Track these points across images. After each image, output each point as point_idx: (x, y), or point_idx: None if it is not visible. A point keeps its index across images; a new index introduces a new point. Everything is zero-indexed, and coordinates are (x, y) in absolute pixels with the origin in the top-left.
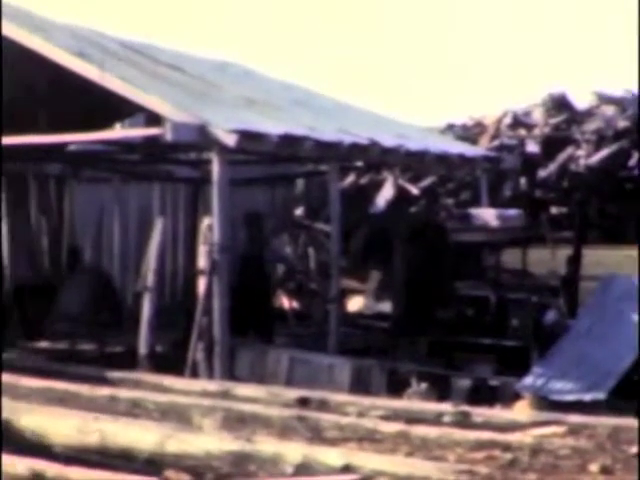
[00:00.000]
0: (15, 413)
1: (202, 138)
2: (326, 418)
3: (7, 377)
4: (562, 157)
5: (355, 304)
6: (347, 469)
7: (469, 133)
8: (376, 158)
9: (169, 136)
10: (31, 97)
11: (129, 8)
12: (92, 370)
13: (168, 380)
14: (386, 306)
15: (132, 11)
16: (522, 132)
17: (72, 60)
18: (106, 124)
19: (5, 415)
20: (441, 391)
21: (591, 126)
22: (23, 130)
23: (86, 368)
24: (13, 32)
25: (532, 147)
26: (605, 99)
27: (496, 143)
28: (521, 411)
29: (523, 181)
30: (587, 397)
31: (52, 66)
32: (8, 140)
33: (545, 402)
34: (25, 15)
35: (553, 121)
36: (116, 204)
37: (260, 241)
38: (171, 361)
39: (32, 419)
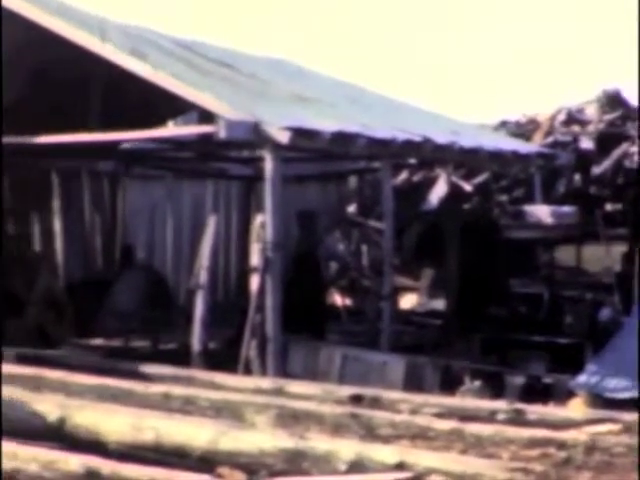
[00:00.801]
0: (69, 410)
1: (255, 135)
2: (379, 415)
3: (60, 374)
4: (616, 153)
5: (408, 301)
6: (400, 467)
7: (523, 130)
8: (429, 155)
9: (222, 134)
10: (85, 95)
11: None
12: (146, 367)
13: (221, 377)
14: (439, 303)
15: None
16: (576, 129)
17: (126, 58)
18: (159, 122)
19: (59, 412)
20: (495, 389)
21: None
22: (77, 128)
23: (140, 365)
24: (67, 30)
25: (586, 144)
26: None
27: (550, 140)
28: (575, 409)
29: (577, 178)
30: None
31: (106, 64)
32: (62, 138)
33: (599, 400)
34: (79, 14)
35: (607, 117)
36: (169, 202)
37: (313, 239)
38: (224, 358)
39: (86, 416)
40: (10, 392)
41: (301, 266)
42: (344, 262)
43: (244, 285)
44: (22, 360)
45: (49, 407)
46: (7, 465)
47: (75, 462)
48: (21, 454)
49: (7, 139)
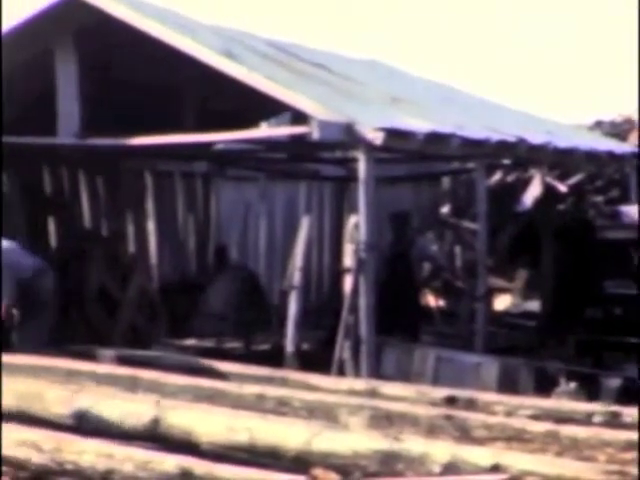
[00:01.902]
0: (163, 411)
1: (348, 136)
2: (474, 417)
3: (155, 374)
4: None
5: (502, 303)
6: (496, 469)
7: (618, 130)
8: (523, 155)
9: (316, 135)
10: (178, 97)
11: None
12: (239, 368)
13: (315, 378)
14: (533, 305)
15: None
16: None
17: (220, 60)
18: (252, 123)
19: (154, 413)
20: (590, 391)
21: None
22: (171, 130)
23: (233, 365)
24: (161, 32)
25: None
26: None
27: None
28: None
29: None
30: None
31: (199, 66)
32: (157, 139)
33: None
34: (172, 15)
35: None
36: (262, 203)
37: (407, 240)
38: (317, 359)
39: (180, 417)
40: (107, 392)
41: (395, 267)
42: (437, 263)
43: (337, 286)
44: (118, 360)
45: (144, 407)
46: (102, 465)
47: (170, 462)
48: (116, 454)
49: (101, 141)
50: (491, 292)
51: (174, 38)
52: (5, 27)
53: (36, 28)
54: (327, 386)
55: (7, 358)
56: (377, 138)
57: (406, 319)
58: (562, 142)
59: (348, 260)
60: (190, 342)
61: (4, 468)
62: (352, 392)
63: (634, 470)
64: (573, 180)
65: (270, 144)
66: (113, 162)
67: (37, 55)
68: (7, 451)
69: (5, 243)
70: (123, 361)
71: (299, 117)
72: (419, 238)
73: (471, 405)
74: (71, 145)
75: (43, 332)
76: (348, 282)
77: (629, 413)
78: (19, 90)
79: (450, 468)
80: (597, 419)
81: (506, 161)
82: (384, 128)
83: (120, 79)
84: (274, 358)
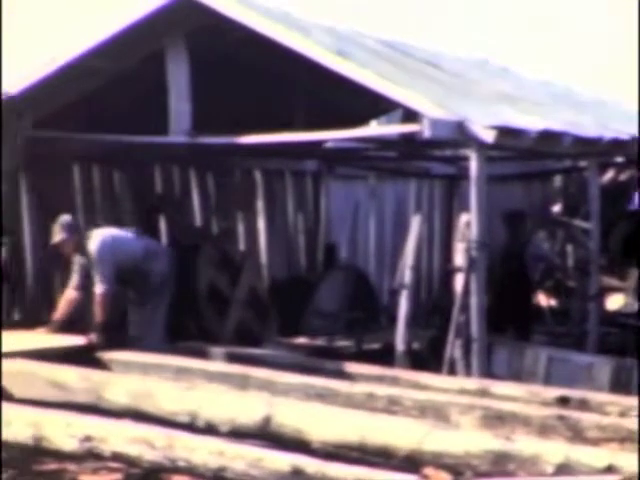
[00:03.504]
0: (274, 409)
1: (460, 134)
2: (586, 418)
3: (266, 373)
4: None
5: (614, 302)
6: (610, 470)
7: None
8: (637, 153)
9: (427, 133)
10: (289, 95)
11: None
12: (350, 366)
13: (426, 377)
14: None
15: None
16: None
17: (332, 58)
18: (362, 121)
19: (265, 411)
20: None
21: None
22: (281, 128)
23: (344, 364)
24: (274, 31)
25: None
26: None
27: None
28: None
29: None
30: None
31: (310, 64)
32: (267, 138)
33: None
34: (283, 14)
35: None
36: (372, 201)
37: (522, 239)
38: (427, 358)
39: (291, 415)
40: (218, 390)
41: (509, 267)
42: (550, 263)
43: (446, 285)
44: (229, 358)
45: (255, 405)
46: (214, 462)
47: (281, 460)
48: (227, 451)
49: (212, 139)
50: (603, 291)
51: (287, 36)
52: (117, 27)
53: (148, 28)
54: (438, 385)
55: (119, 355)
56: (489, 136)
57: (519, 319)
58: None
59: (459, 259)
60: (301, 341)
61: (118, 465)
62: (463, 391)
63: None
64: None
65: (380, 142)
66: (223, 160)
67: (149, 55)
68: (120, 448)
69: (110, 231)
70: (234, 359)
71: (410, 115)
72: (534, 237)
73: (584, 405)
74: (182, 144)
75: (157, 318)
76: (459, 281)
77: None
78: (131, 90)
79: (563, 469)
80: None
81: (619, 159)
82: (496, 126)
83: (230, 78)
84: (384, 357)
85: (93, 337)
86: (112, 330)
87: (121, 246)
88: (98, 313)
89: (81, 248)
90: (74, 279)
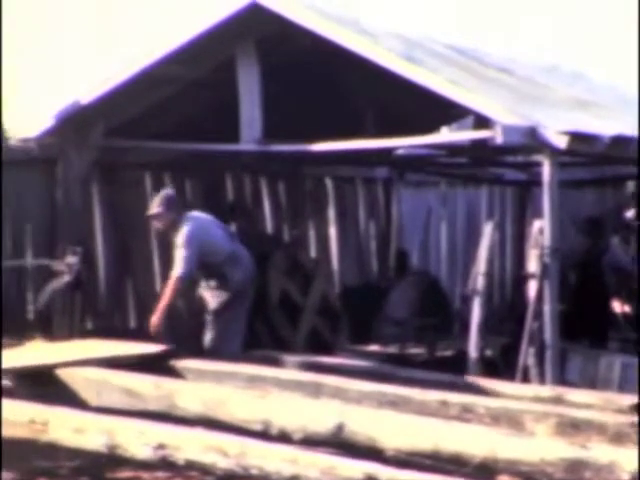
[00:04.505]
0: (347, 416)
1: (532, 140)
2: None
3: (338, 380)
4: None
5: None
6: None
7: None
8: None
9: (499, 139)
10: (358, 102)
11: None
12: (423, 374)
13: (499, 385)
14: None
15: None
16: None
17: (401, 64)
18: (432, 128)
19: (337, 419)
20: None
21: None
22: (351, 135)
23: (417, 371)
24: (345, 37)
25: None
26: None
27: None
28: None
29: None
30: None
31: (380, 70)
32: (338, 146)
33: None
34: (352, 21)
35: None
36: (443, 207)
37: (600, 246)
38: (500, 365)
39: (364, 423)
40: (290, 398)
41: (586, 274)
42: (625, 269)
43: (519, 291)
44: (302, 366)
45: (328, 413)
46: (287, 470)
47: (355, 468)
48: (301, 459)
49: (283, 147)
50: None
51: (357, 43)
52: (187, 36)
53: (219, 35)
54: (512, 393)
55: (192, 363)
56: (562, 142)
57: (595, 326)
58: None
59: (532, 265)
60: (373, 348)
61: (191, 473)
62: (537, 399)
63: None
64: None
65: (451, 149)
66: (294, 168)
67: (220, 62)
68: (193, 456)
69: (207, 218)
70: (306, 367)
71: (481, 122)
72: (612, 245)
73: None
74: (254, 151)
75: (237, 328)
76: (532, 288)
77: None
78: (203, 97)
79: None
80: None
81: None
82: (569, 132)
83: (299, 85)
84: (457, 364)
85: (152, 319)
86: (190, 339)
87: (210, 238)
88: (166, 295)
89: (175, 226)
90: (182, 267)
